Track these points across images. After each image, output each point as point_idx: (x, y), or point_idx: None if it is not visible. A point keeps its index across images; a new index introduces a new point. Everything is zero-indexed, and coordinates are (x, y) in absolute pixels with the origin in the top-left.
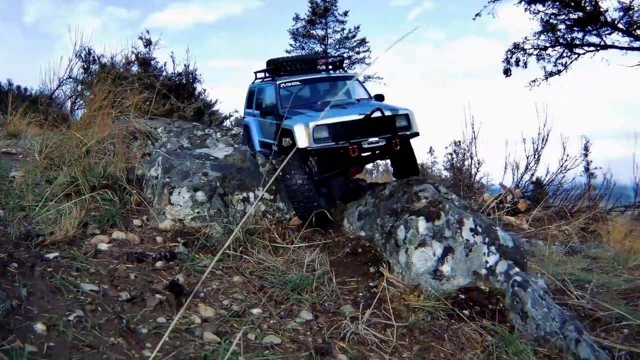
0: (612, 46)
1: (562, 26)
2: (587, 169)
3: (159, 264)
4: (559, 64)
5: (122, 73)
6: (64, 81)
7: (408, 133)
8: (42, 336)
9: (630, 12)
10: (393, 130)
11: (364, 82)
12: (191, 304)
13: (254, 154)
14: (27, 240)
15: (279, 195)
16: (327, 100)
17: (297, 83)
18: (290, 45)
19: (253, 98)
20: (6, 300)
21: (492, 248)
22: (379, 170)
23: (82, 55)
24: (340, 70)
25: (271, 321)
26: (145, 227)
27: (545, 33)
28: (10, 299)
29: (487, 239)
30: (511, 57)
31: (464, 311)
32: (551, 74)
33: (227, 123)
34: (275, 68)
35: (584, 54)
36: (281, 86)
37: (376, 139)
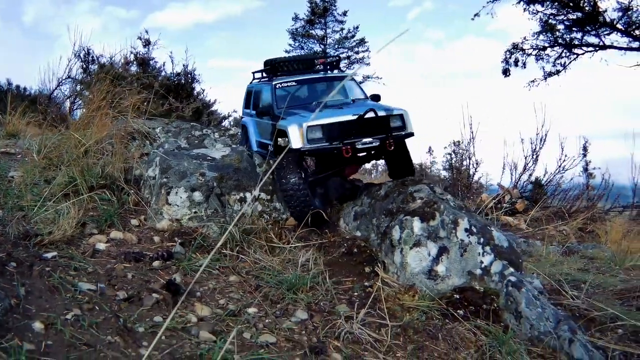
0: (611, 46)
1: (561, 26)
2: (585, 169)
3: (156, 263)
4: (558, 64)
5: (121, 73)
6: (63, 81)
7: (403, 133)
8: (40, 334)
9: (629, 13)
10: (387, 131)
11: (362, 82)
12: (188, 303)
13: (251, 155)
14: (25, 240)
15: (275, 195)
16: (322, 101)
17: (293, 83)
18: (290, 45)
19: (251, 98)
20: (5, 299)
21: (487, 248)
22: (378, 170)
23: (81, 55)
24: (338, 70)
25: (267, 320)
26: (143, 227)
27: (544, 33)
28: (9, 298)
29: (482, 239)
30: (510, 58)
31: (458, 311)
32: (550, 74)
33: (225, 123)
34: (272, 68)
35: (582, 54)
36: (277, 86)
37: (370, 139)
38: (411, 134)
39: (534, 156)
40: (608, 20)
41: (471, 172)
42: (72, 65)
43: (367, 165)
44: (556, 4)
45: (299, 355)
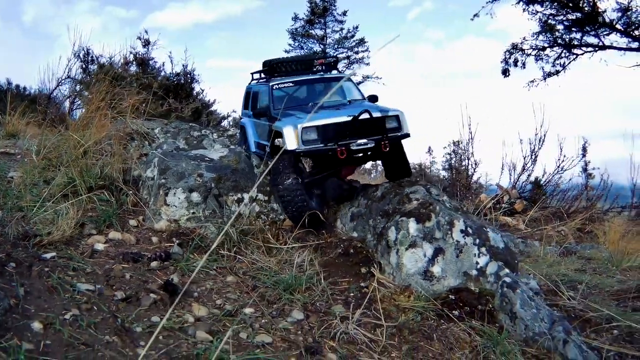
0: (610, 47)
1: (560, 27)
2: (585, 170)
3: (154, 264)
4: (557, 64)
5: (121, 73)
6: (63, 81)
7: (398, 134)
8: (39, 334)
9: (629, 13)
10: (383, 132)
11: (362, 82)
12: (185, 303)
13: (248, 155)
14: (25, 240)
15: (273, 196)
16: (318, 102)
17: (291, 84)
18: (289, 45)
19: (249, 99)
20: (4, 299)
21: (483, 249)
22: (378, 170)
23: (81, 55)
24: (336, 70)
25: (263, 320)
26: (141, 227)
27: (543, 33)
28: (8, 298)
29: (477, 240)
30: (509, 58)
31: (453, 311)
32: (549, 75)
33: (225, 123)
34: (270, 69)
35: (582, 54)
36: (274, 87)
37: (365, 140)
38: (407, 135)
39: (533, 156)
40: (607, 20)
41: (470, 172)
42: (72, 65)
43: (367, 165)
44: (555, 4)
45: (295, 355)
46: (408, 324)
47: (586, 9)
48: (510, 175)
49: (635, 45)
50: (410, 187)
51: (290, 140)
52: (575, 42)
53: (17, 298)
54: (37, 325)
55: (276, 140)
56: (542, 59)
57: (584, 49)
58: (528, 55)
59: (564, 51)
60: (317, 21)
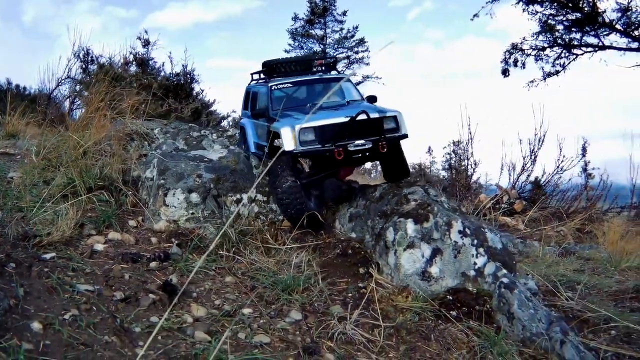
0: (610, 47)
1: (560, 27)
2: (584, 170)
3: (153, 264)
4: (557, 64)
5: (120, 73)
6: (62, 81)
7: (396, 135)
8: (38, 334)
9: (628, 13)
10: (380, 133)
11: (362, 82)
12: (184, 303)
13: (247, 156)
14: (24, 241)
15: (271, 197)
16: (316, 103)
17: (289, 85)
18: (289, 45)
19: (249, 99)
20: (4, 299)
21: (481, 250)
22: (378, 170)
23: (81, 55)
24: (335, 71)
25: (261, 321)
26: (141, 228)
27: (543, 34)
28: (8, 299)
29: (475, 241)
30: (509, 58)
31: (451, 312)
32: (549, 75)
33: (224, 123)
34: (269, 70)
35: (582, 54)
36: (273, 88)
37: (362, 141)
38: (405, 136)
39: (533, 156)
40: (607, 20)
41: (470, 173)
42: (72, 65)
43: (367, 165)
44: (555, 4)
45: (293, 356)
46: (406, 324)
47: (586, 9)
48: (510, 175)
49: (635, 45)
50: (408, 188)
51: (288, 141)
52: (575, 42)
53: (17, 298)
54: (36, 326)
55: (275, 141)
56: (542, 59)
57: (583, 49)
58: (528, 55)
59: (564, 51)
60: (317, 21)
